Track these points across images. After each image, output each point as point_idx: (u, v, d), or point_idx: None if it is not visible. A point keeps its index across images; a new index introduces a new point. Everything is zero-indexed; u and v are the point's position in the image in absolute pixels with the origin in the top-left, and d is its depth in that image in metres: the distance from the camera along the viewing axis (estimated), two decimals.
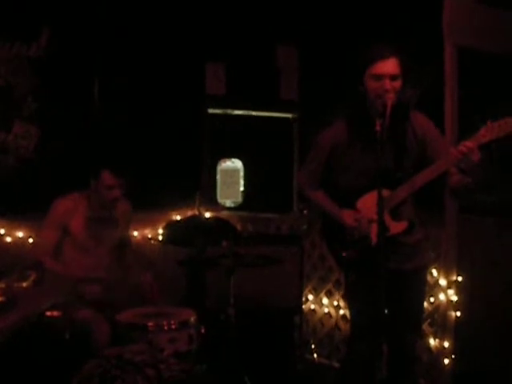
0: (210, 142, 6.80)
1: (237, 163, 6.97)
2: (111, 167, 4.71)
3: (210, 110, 6.84)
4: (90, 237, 4.81)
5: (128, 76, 6.29)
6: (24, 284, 2.99)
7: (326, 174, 4.01)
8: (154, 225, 6.21)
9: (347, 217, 3.85)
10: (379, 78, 3.62)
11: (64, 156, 6.02)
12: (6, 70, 5.95)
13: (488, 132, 3.40)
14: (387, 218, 3.59)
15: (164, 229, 5.96)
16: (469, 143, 3.41)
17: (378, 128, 3.38)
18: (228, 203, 6.93)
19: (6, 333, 2.32)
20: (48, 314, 3.24)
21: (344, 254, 3.87)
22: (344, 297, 5.33)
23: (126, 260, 5.15)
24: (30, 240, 5.89)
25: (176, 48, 6.47)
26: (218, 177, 6.89)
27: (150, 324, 4.31)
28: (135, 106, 6.33)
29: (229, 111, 6.96)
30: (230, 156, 6.96)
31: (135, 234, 6.08)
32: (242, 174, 6.97)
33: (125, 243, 5.15)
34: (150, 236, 6.12)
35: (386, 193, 3.50)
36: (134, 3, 6.29)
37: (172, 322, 4.36)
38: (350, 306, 4.21)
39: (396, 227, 3.71)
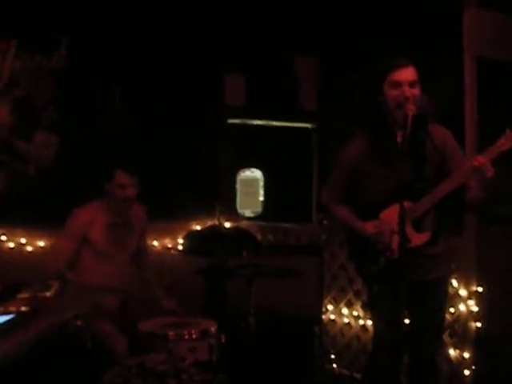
0: (230, 152, 6.81)
1: (256, 173, 6.98)
2: (123, 166, 4.75)
3: (230, 121, 6.86)
4: (110, 243, 4.83)
5: (148, 86, 6.32)
6: (47, 294, 3.01)
7: (349, 188, 4.01)
8: (173, 235, 6.25)
9: (370, 228, 3.84)
10: (399, 85, 3.63)
11: (84, 165, 6.05)
12: (27, 81, 6.02)
13: (507, 140, 3.41)
14: (410, 229, 3.57)
15: (184, 239, 5.99)
16: (481, 158, 3.42)
17: (399, 139, 3.39)
18: (247, 213, 6.93)
19: (31, 343, 2.35)
20: (71, 324, 3.27)
21: (372, 268, 3.87)
22: (366, 308, 5.33)
23: (142, 267, 5.19)
24: None
25: (195, 59, 6.50)
26: (238, 187, 6.90)
27: (170, 333, 4.33)
28: (155, 116, 6.36)
29: (248, 121, 6.98)
30: (249, 166, 6.98)
31: (155, 243, 6.13)
32: (261, 183, 6.98)
33: (141, 250, 5.18)
34: (169, 246, 6.15)
35: (408, 204, 3.49)
36: (154, 14, 6.32)
37: (192, 332, 4.37)
38: (372, 318, 4.21)
39: (418, 239, 3.69)
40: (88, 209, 4.87)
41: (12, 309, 2.64)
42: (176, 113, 6.45)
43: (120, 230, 4.88)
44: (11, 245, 5.91)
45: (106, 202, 4.87)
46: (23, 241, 5.93)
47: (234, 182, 6.89)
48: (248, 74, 6.84)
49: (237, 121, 6.92)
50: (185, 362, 4.14)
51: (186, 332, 4.36)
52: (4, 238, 5.89)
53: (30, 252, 5.95)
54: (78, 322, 3.49)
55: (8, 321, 2.46)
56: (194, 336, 4.37)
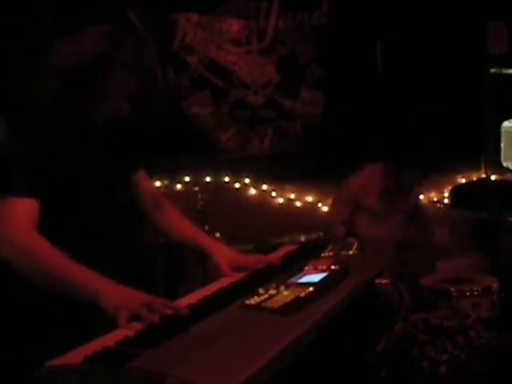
0: (493, 103, 6.58)
1: None
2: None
3: (492, 70, 6.62)
4: (385, 208, 4.83)
5: (410, 39, 6.24)
6: (350, 252, 3.09)
7: None
8: (439, 188, 6.20)
9: None
10: None
11: (349, 121, 6.13)
12: (291, 39, 6.18)
13: None
14: None
15: (450, 192, 5.92)
16: None
17: None
18: (511, 166, 6.69)
19: (346, 300, 2.45)
20: (377, 281, 3.34)
21: None
22: None
23: (416, 221, 5.18)
24: (319, 205, 6.11)
25: (457, 7, 6.32)
26: (502, 138, 6.66)
27: (452, 289, 4.32)
28: (417, 69, 6.28)
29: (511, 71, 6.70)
30: None
31: (421, 197, 6.10)
32: None
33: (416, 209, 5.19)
34: (435, 199, 6.11)
35: None
36: None
37: (475, 288, 4.34)
38: None
39: None
40: (360, 176, 4.86)
41: (322, 267, 2.73)
42: (437, 64, 6.33)
43: (394, 196, 4.84)
44: (280, 200, 6.14)
45: (381, 167, 4.85)
46: (292, 196, 6.13)
47: (497, 133, 6.65)
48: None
49: (499, 70, 6.66)
50: (468, 319, 4.14)
51: (468, 288, 4.33)
52: (274, 193, 6.13)
53: (299, 207, 6.14)
54: (384, 280, 3.57)
55: (323, 279, 2.55)
56: (476, 292, 4.33)
